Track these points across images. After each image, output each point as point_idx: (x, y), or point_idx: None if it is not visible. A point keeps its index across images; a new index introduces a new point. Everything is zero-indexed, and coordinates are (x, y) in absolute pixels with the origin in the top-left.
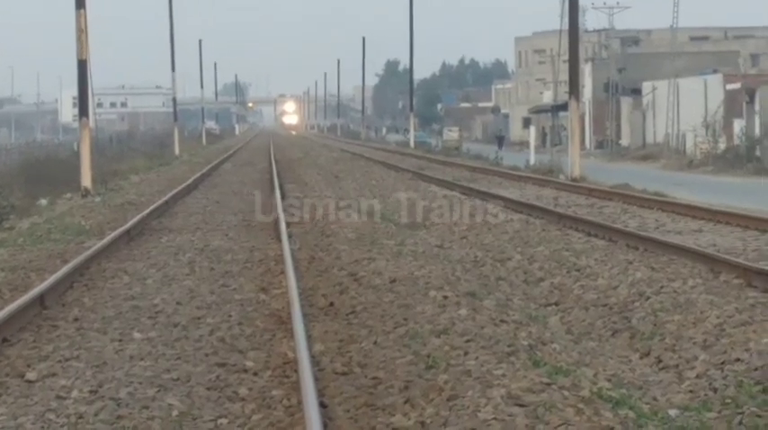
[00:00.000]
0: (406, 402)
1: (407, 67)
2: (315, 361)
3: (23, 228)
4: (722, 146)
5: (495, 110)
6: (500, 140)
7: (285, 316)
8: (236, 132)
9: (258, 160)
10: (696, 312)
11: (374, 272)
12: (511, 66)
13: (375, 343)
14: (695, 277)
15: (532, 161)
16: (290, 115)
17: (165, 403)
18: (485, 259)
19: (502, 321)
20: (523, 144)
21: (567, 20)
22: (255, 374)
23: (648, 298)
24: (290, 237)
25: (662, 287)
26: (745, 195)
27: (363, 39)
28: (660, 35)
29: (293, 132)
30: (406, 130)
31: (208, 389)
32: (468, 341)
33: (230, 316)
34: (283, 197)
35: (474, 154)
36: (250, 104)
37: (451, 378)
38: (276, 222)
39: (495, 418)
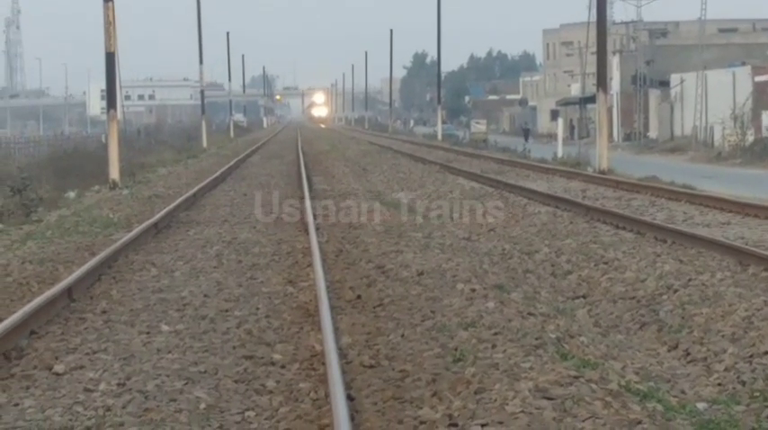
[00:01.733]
0: (433, 395)
1: (435, 59)
2: (342, 353)
3: (51, 221)
4: (750, 138)
5: (523, 102)
6: (526, 133)
7: (312, 308)
8: (264, 125)
9: (286, 153)
10: (724, 305)
11: (401, 264)
12: (539, 58)
13: (402, 335)
14: (723, 270)
15: (560, 154)
16: (319, 107)
17: (193, 396)
18: (512, 252)
19: (529, 314)
20: (551, 136)
21: (594, 12)
22: (283, 367)
23: (676, 291)
24: (317, 229)
25: (690, 280)
26: None
27: (391, 31)
28: (688, 27)
29: (322, 125)
30: (433, 123)
31: (235, 381)
32: (495, 334)
33: (258, 308)
34: (310, 189)
35: (501, 146)
36: (278, 97)
37: (479, 371)
38: (302, 214)
39: (522, 411)
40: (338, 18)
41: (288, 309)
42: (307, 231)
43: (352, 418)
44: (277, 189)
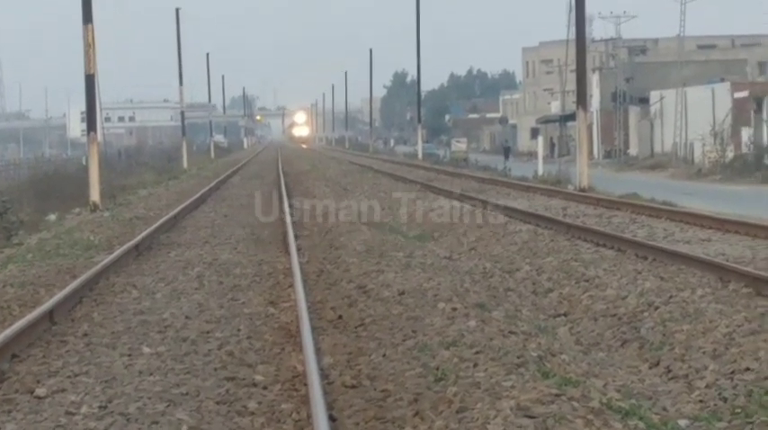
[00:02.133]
0: (415, 415)
1: (415, 78)
2: (324, 374)
3: (32, 244)
4: (730, 154)
5: (503, 120)
6: (507, 151)
7: (294, 329)
8: (245, 145)
9: (266, 173)
10: (705, 322)
11: (383, 284)
12: (518, 76)
13: (384, 355)
14: (704, 286)
15: (540, 172)
16: (300, 127)
17: (175, 418)
18: (493, 270)
19: (511, 332)
20: (532, 154)
21: (573, 30)
22: (265, 388)
23: (657, 308)
24: (298, 250)
25: (671, 297)
26: (754, 204)
27: (371, 50)
28: (667, 44)
29: (303, 146)
30: (413, 142)
31: (217, 403)
32: (477, 353)
33: (239, 330)
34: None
35: (482, 165)
36: (258, 117)
37: (461, 390)
38: (285, 235)
39: None
40: (318, 38)
41: (269, 330)
42: (288, 252)
43: None
44: (257, 209)
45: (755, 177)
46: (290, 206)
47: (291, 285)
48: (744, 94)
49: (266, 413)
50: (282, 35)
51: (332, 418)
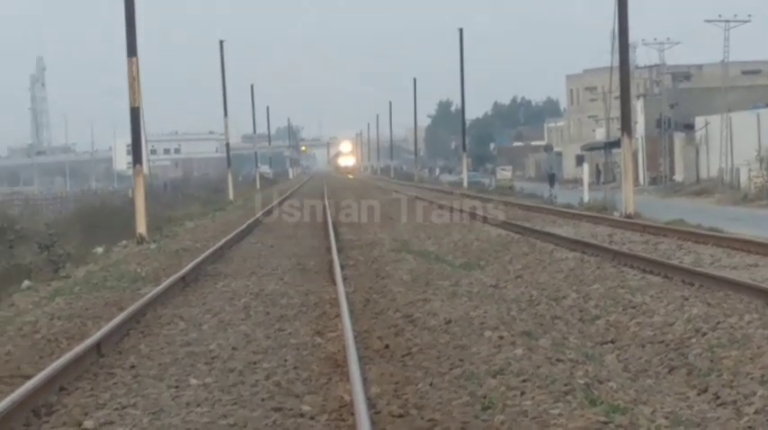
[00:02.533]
0: None
1: (459, 107)
2: (371, 403)
3: (79, 277)
4: None
5: (548, 148)
6: (552, 178)
7: (341, 359)
8: (290, 176)
9: (312, 203)
10: (753, 347)
11: (429, 313)
12: (563, 103)
13: (431, 384)
14: (752, 312)
15: (586, 199)
16: (347, 156)
17: None
18: (540, 298)
19: (558, 360)
20: (577, 181)
21: (617, 56)
22: (312, 418)
23: (705, 334)
24: (344, 279)
25: (718, 323)
26: None
27: (414, 80)
28: (711, 70)
29: (350, 176)
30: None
31: None
32: (524, 381)
33: (286, 360)
34: (337, 240)
35: (527, 192)
36: (303, 148)
37: (508, 418)
38: (331, 265)
39: None
40: (363, 67)
41: (316, 360)
42: (334, 281)
43: None
44: (304, 240)
45: None
46: (336, 235)
47: (338, 315)
48: None
49: None
50: (327, 64)
51: None
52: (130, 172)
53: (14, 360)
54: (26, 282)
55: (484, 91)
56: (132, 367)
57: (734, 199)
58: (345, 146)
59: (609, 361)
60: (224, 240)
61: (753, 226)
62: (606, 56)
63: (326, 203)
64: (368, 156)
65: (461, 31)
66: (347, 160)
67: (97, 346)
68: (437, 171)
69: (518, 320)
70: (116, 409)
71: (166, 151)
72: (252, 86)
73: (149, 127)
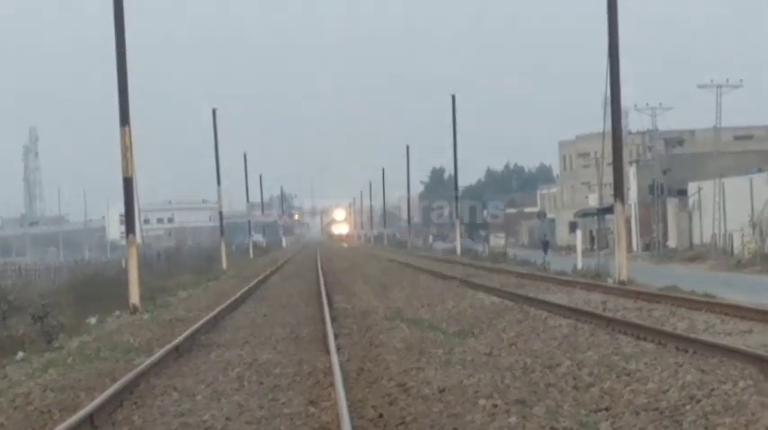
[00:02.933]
0: None
1: (452, 174)
2: None
3: (73, 347)
4: None
5: (541, 215)
6: (545, 245)
7: (335, 428)
8: (283, 245)
9: (305, 272)
10: (748, 414)
11: (423, 381)
12: (555, 170)
13: None
14: (746, 379)
15: (579, 265)
16: (340, 224)
17: None
18: (534, 366)
19: (552, 428)
20: (570, 248)
21: (609, 122)
22: None
23: (699, 401)
24: (338, 348)
25: (713, 389)
26: None
27: (407, 147)
28: (704, 135)
29: (344, 244)
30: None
31: None
32: None
33: None
34: (331, 308)
35: (521, 259)
36: (296, 216)
37: None
38: (324, 334)
39: None
40: (355, 135)
41: None
42: (328, 350)
43: None
44: (297, 308)
45: None
46: (330, 304)
47: (332, 384)
48: None
49: None
50: (320, 133)
51: None
52: (124, 241)
53: None
54: (20, 354)
55: (477, 157)
56: None
57: (727, 265)
58: (339, 213)
59: (603, 429)
60: (217, 310)
61: (746, 292)
62: (599, 122)
63: (320, 272)
64: (361, 224)
65: (454, 98)
66: (341, 228)
67: (90, 418)
68: (430, 238)
69: (512, 388)
70: None
71: (159, 220)
72: (245, 155)
73: (142, 196)
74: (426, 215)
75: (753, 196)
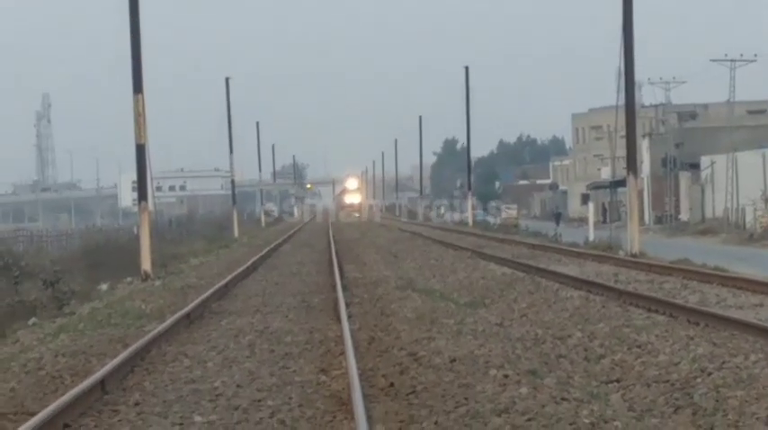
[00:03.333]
0: None
1: (465, 145)
2: None
3: (84, 313)
4: None
5: (554, 186)
6: (558, 217)
7: (345, 397)
8: (295, 214)
9: (317, 241)
10: (759, 387)
11: (434, 351)
12: (568, 142)
13: (436, 423)
14: (757, 352)
15: (591, 237)
16: (353, 193)
17: None
18: (545, 337)
19: (563, 399)
20: (582, 220)
21: (623, 95)
22: None
23: (710, 373)
24: (349, 317)
25: (723, 362)
26: None
27: (420, 118)
28: (717, 109)
29: (356, 214)
30: (464, 209)
31: None
32: (529, 420)
33: (291, 398)
34: (342, 277)
35: (533, 231)
36: (309, 185)
37: None
38: (336, 303)
39: None
40: (368, 106)
41: (321, 398)
42: (339, 319)
43: None
44: (309, 277)
45: None
46: (341, 273)
47: (343, 353)
48: None
49: None
50: (334, 103)
51: None
52: (136, 208)
53: (18, 396)
54: (32, 319)
55: (489, 129)
56: (136, 404)
57: (739, 238)
58: (351, 183)
59: (614, 400)
60: (229, 277)
61: (758, 265)
62: (612, 94)
63: (331, 241)
64: (373, 194)
65: (467, 69)
66: (353, 197)
67: (101, 383)
68: (442, 209)
69: (523, 359)
70: None
71: (172, 188)
72: (257, 124)
73: (155, 164)
74: (437, 185)
75: (766, 170)
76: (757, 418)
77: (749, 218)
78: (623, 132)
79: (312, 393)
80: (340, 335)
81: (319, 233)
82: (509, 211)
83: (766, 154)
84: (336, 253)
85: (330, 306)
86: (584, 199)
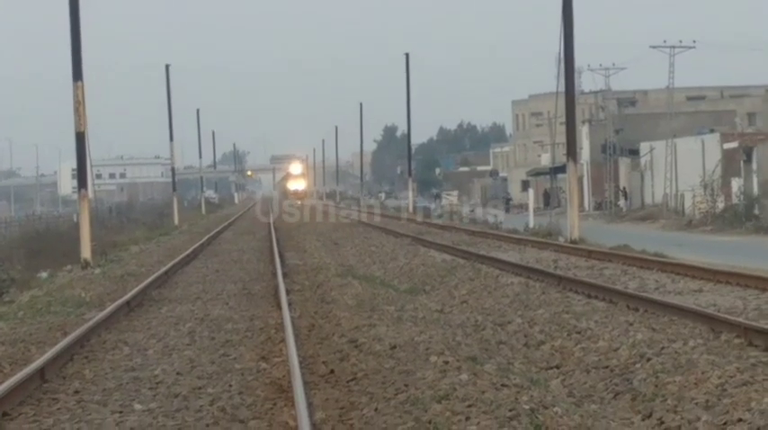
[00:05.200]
0: None
1: (405, 132)
2: (316, 429)
3: (23, 301)
4: (721, 205)
5: (494, 173)
6: (507, 203)
7: (286, 384)
8: (236, 201)
9: (257, 229)
10: (697, 373)
11: (374, 338)
12: (508, 129)
13: (376, 409)
14: (696, 337)
15: (532, 224)
16: (296, 179)
17: None
18: (485, 323)
19: (503, 385)
20: (522, 207)
21: (563, 82)
22: None
23: (649, 359)
24: (290, 304)
25: (663, 348)
26: (745, 254)
27: (361, 105)
28: (657, 95)
29: (298, 202)
30: (404, 196)
31: None
32: (469, 406)
33: (231, 385)
34: (283, 264)
35: (473, 217)
36: (249, 172)
37: None
38: (276, 290)
39: None
40: (308, 93)
41: (261, 386)
42: (279, 306)
43: None
44: (249, 264)
45: (746, 228)
46: (282, 261)
47: (283, 340)
48: (733, 144)
49: None
50: (274, 91)
51: None
52: (75, 196)
53: None
54: None
55: (430, 116)
56: (76, 392)
57: (678, 224)
58: (295, 167)
59: (554, 386)
60: (169, 265)
61: (697, 251)
62: (552, 81)
63: (272, 228)
64: (314, 181)
65: (407, 56)
66: (297, 183)
67: (41, 372)
68: (383, 196)
69: (463, 345)
70: None
71: (112, 176)
72: (198, 111)
73: (94, 151)
74: (377, 172)
75: (704, 156)
76: (696, 403)
77: (688, 204)
78: (563, 119)
79: (252, 380)
80: (281, 323)
81: (260, 220)
82: (449, 198)
83: (705, 140)
84: (277, 240)
85: (271, 293)
86: (525, 185)
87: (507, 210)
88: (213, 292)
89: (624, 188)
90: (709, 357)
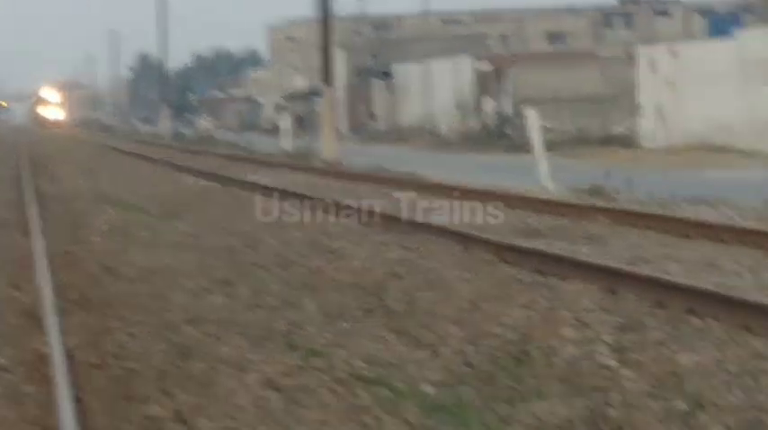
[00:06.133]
0: (161, 392)
1: (160, 59)
2: (69, 355)
3: None
4: (474, 125)
5: (250, 98)
6: (300, 121)
7: (38, 311)
8: None
9: (6, 157)
10: (447, 289)
11: (128, 263)
12: (265, 54)
13: (130, 334)
14: (448, 255)
15: (287, 147)
16: (53, 107)
17: None
18: (239, 246)
19: (257, 306)
20: (277, 130)
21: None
22: (6, 371)
23: (402, 277)
24: (42, 232)
25: (416, 266)
26: (496, 173)
27: (110, 31)
28: (412, 21)
29: (57, 129)
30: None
31: None
32: (222, 328)
33: None
34: (37, 193)
35: (228, 142)
36: (2, 102)
37: (207, 365)
38: (27, 218)
39: (251, 404)
40: (60, 20)
41: (11, 313)
42: (31, 235)
43: (79, 419)
44: None
45: (498, 147)
46: (35, 189)
47: (34, 267)
48: (486, 66)
49: (8, 396)
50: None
51: (77, 399)
52: None
53: None
54: None
55: (184, 42)
56: None
57: (433, 144)
58: (48, 93)
59: (306, 304)
60: None
61: (448, 170)
62: (308, 5)
63: (23, 157)
64: (69, 108)
65: None
66: (52, 111)
67: None
68: (138, 123)
69: (217, 269)
70: None
71: None
72: None
73: None
74: (133, 99)
75: (458, 78)
76: (447, 319)
77: (442, 125)
78: (319, 43)
79: (3, 309)
80: (31, 250)
81: (10, 149)
82: (205, 124)
83: (458, 62)
84: (31, 167)
85: (22, 221)
86: (279, 109)
87: (310, 134)
88: None
89: (372, 111)
90: (460, 274)
